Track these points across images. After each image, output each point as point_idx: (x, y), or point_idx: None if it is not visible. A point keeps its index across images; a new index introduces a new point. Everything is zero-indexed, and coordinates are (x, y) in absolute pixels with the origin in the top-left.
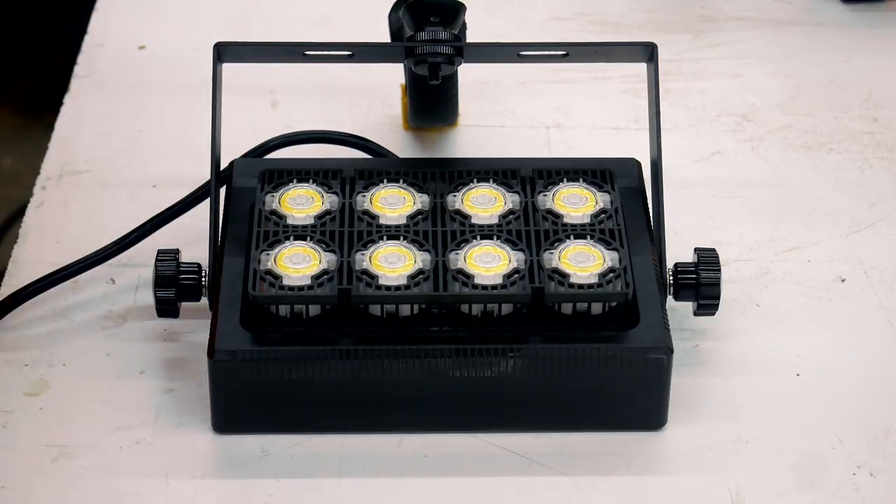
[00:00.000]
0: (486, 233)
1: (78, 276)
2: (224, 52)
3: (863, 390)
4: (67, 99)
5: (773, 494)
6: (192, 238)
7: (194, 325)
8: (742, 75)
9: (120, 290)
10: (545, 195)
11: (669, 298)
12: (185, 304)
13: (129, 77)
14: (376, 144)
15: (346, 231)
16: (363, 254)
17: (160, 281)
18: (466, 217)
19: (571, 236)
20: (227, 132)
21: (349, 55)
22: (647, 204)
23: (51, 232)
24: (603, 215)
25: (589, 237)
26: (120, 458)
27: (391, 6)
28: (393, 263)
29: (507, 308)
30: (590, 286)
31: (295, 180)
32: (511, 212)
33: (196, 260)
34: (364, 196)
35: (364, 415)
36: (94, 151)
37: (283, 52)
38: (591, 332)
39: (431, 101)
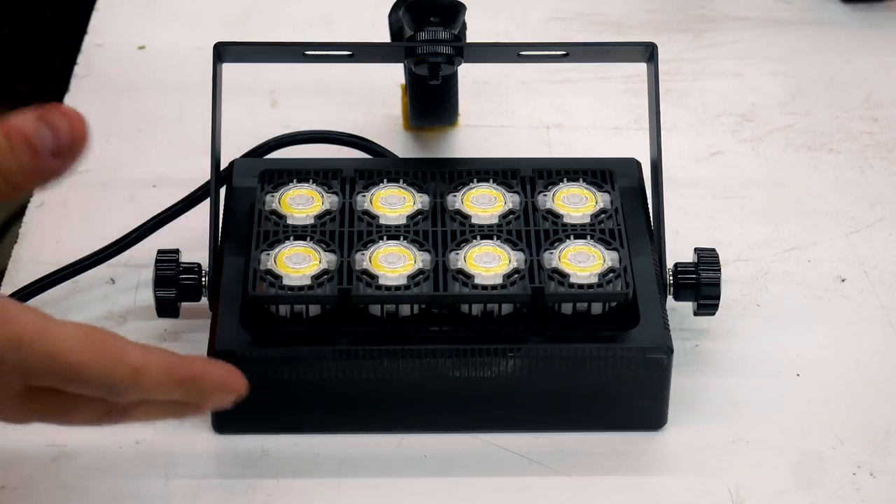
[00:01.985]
0: (486, 233)
1: (78, 276)
2: (224, 52)
3: (863, 390)
4: (67, 99)
5: (773, 494)
6: (192, 238)
7: (194, 325)
8: (742, 75)
9: (120, 290)
10: (545, 195)
11: (669, 298)
12: (185, 304)
13: (129, 77)
14: (376, 144)
15: (346, 231)
16: (363, 254)
17: (160, 281)
18: (466, 217)
19: (571, 236)
20: (227, 132)
21: (349, 55)
22: (647, 204)
23: (51, 232)
24: (603, 215)
25: (589, 237)
26: (120, 458)
27: (391, 6)
28: (393, 263)
29: (507, 308)
30: (590, 286)
31: (295, 180)
32: (511, 212)
33: (196, 260)
34: (364, 196)
35: (364, 415)
36: (94, 151)
37: (283, 52)
38: (591, 332)
39: (431, 101)
